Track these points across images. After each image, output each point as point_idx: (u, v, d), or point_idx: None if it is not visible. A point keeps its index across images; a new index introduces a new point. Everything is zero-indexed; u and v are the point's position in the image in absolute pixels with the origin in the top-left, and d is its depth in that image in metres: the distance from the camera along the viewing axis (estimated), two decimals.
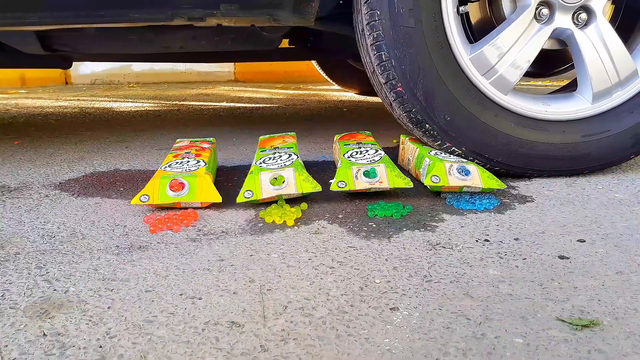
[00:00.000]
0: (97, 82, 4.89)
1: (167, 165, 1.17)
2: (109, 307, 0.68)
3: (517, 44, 1.19)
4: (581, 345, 0.57)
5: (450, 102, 1.17)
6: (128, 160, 1.58)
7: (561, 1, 1.18)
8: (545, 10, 1.19)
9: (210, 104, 3.11)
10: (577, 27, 1.21)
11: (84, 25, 1.29)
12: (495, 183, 1.10)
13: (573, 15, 1.20)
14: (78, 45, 1.51)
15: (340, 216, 1.03)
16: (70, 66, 2.01)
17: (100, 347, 0.59)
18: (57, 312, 0.67)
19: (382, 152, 1.19)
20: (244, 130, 2.09)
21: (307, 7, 1.21)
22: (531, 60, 1.20)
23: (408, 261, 0.81)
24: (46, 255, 0.86)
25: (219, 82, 4.81)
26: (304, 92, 3.64)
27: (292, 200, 1.10)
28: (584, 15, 1.20)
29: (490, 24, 1.34)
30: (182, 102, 3.19)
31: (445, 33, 1.16)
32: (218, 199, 1.07)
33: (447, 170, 1.10)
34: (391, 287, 0.72)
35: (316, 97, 3.25)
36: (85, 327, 0.63)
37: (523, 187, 1.19)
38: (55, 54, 1.61)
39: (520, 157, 1.22)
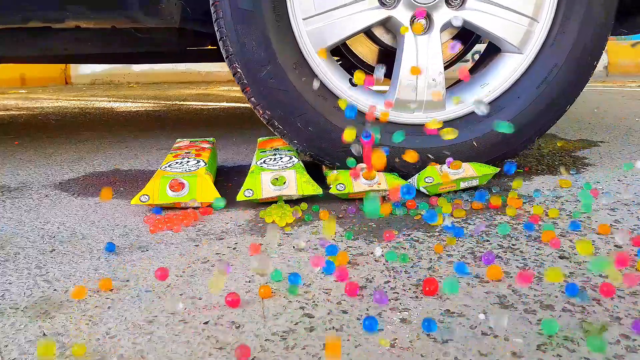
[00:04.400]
0: (97, 82, 4.89)
1: (167, 165, 1.17)
2: (109, 307, 0.68)
3: (422, 68, 1.13)
4: (581, 346, 0.57)
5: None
6: (128, 160, 1.58)
7: (425, 2, 1.11)
8: (422, 21, 1.13)
9: (210, 104, 3.11)
10: (456, 9, 1.13)
11: None
12: (488, 169, 1.14)
13: (446, 2, 1.13)
14: None
15: (340, 216, 1.03)
16: None
17: (100, 347, 0.59)
18: (57, 312, 0.67)
19: None
20: (244, 130, 2.09)
21: (157, 8, 1.19)
22: (442, 71, 1.15)
23: (408, 261, 0.81)
24: (46, 255, 0.86)
25: (219, 82, 4.82)
26: None
27: (292, 200, 1.10)
28: None
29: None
30: (182, 102, 3.19)
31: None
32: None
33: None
34: (391, 287, 0.72)
35: None
36: (85, 327, 0.63)
37: (523, 187, 1.19)
38: None
39: (501, 145, 1.19)
